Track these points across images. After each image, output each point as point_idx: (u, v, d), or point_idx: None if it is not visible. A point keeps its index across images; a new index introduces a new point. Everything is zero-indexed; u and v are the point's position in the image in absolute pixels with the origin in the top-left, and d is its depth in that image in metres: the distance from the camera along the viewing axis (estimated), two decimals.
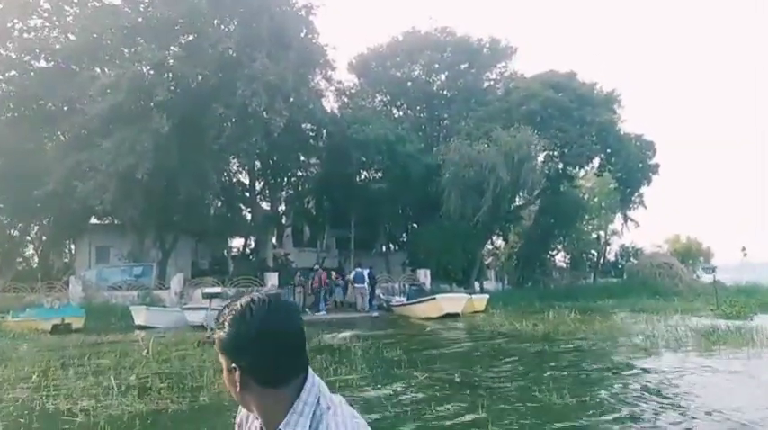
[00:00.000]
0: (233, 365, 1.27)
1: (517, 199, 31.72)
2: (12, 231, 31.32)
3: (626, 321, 17.67)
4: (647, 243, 55.60)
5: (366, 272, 25.16)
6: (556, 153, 31.60)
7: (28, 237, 33.57)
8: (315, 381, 1.32)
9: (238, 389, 1.28)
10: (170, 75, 21.55)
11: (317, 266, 25.81)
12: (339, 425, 1.23)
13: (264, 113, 23.21)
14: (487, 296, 25.26)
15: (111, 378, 7.59)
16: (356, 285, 24.78)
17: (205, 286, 18.51)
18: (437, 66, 37.82)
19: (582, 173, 36.16)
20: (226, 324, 1.30)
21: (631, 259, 52.93)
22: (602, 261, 50.71)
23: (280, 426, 1.25)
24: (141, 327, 20.21)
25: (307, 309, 23.35)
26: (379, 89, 39.41)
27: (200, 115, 22.04)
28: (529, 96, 30.72)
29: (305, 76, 26.01)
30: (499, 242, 43.58)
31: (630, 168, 31.63)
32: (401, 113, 39.56)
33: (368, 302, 24.70)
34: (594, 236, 52.55)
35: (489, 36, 37.78)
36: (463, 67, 38.00)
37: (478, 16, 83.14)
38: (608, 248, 50.44)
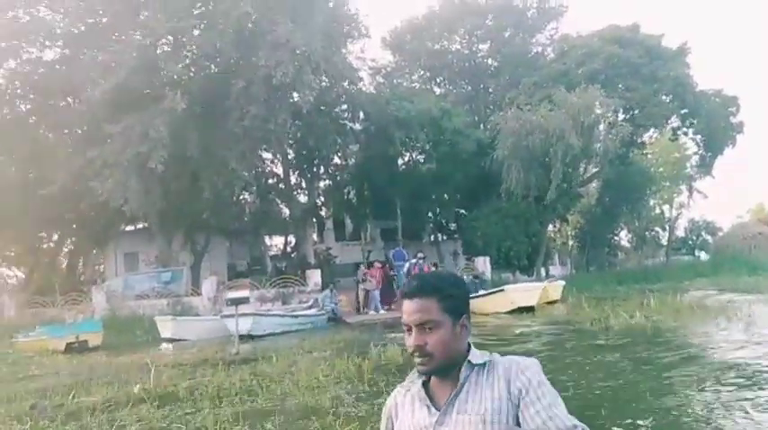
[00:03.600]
0: (465, 316, 1.57)
1: (583, 171, 27.99)
2: (42, 243, 29.36)
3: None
4: (717, 217, 50.66)
5: (414, 260, 21.95)
6: (621, 116, 27.69)
7: (65, 249, 31.69)
8: None
9: (462, 337, 1.57)
10: (183, 49, 18.87)
11: (421, 255, 22.33)
12: (503, 358, 1.56)
13: (294, 91, 20.39)
14: (563, 283, 21.79)
15: None
16: (396, 263, 21.77)
17: (240, 289, 15.87)
18: (479, 34, 34.32)
19: (650, 138, 31.97)
20: (456, 286, 1.60)
21: (703, 234, 48.51)
22: (671, 238, 46.45)
23: (469, 358, 1.55)
24: (169, 340, 17.70)
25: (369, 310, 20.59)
26: (417, 65, 36.21)
27: (220, 96, 19.29)
28: (589, 54, 27.01)
29: (336, 47, 22.99)
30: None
31: (713, 129, 27.54)
32: (442, 90, 36.22)
33: None
34: (658, 211, 48.27)
35: None
36: (508, 33, 34.43)
37: None
38: (677, 224, 46.15)
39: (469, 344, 1.58)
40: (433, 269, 22.40)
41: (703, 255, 45.54)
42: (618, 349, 9.01)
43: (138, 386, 7.47)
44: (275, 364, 9.40)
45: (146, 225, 25.70)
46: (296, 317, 16.95)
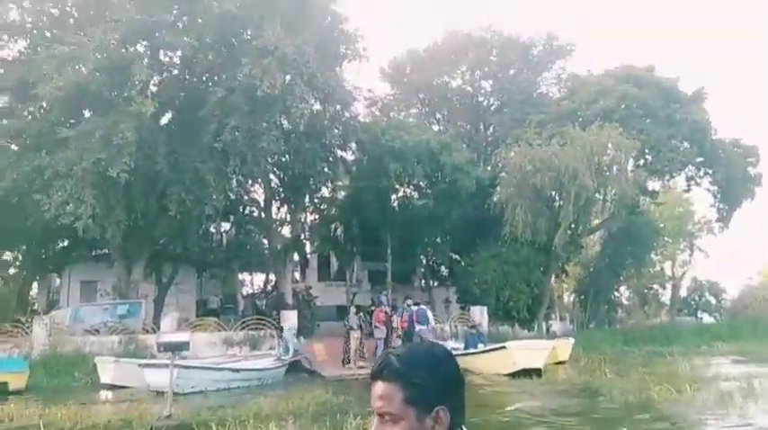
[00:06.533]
0: (439, 408, 1.31)
1: (594, 217, 25.66)
2: None
3: None
4: (719, 277, 48.18)
5: (419, 309, 19.00)
6: (632, 160, 25.51)
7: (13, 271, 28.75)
8: None
9: None
10: (155, 49, 16.60)
11: (409, 302, 19.34)
12: None
13: (282, 109, 18.07)
14: (572, 341, 19.24)
15: None
16: (419, 327, 18.00)
17: (179, 332, 13.00)
18: (486, 69, 32.65)
19: (664, 187, 29.87)
20: (427, 370, 1.33)
21: (706, 295, 46.21)
22: (672, 297, 44.05)
23: None
24: (110, 387, 14.86)
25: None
26: (416, 99, 34.42)
27: (195, 105, 16.98)
28: (602, 92, 25.16)
29: (330, 67, 20.92)
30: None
31: (732, 179, 25.51)
32: (441, 127, 34.30)
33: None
34: (658, 268, 46.08)
35: (546, 32, 32.27)
36: (513, 71, 32.80)
37: (522, 15, 75.28)
38: (680, 283, 43.76)
39: None
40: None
41: (706, 318, 43.15)
42: None
43: None
44: None
45: (107, 251, 22.99)
46: (237, 371, 13.86)
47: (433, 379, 1.32)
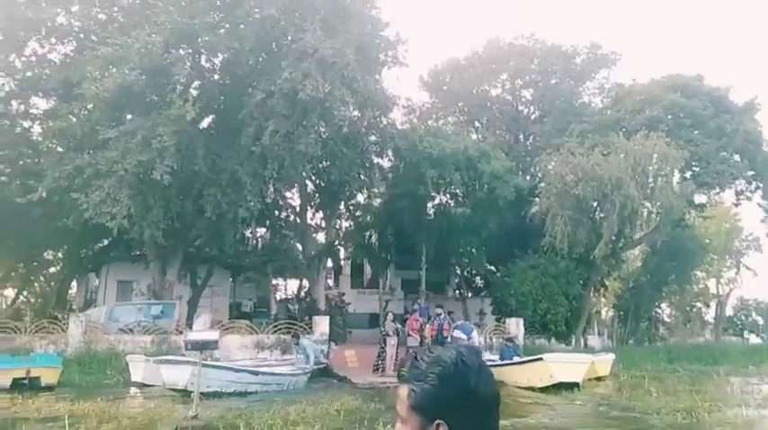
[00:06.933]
0: (438, 422, 1.22)
1: (639, 229, 24.72)
2: (32, 261, 27.06)
3: None
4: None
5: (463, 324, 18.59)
6: (677, 172, 24.57)
7: (53, 270, 29.44)
8: None
9: None
10: (196, 52, 16.74)
11: (439, 311, 18.77)
12: None
13: (321, 114, 17.95)
14: (612, 357, 18.49)
15: None
16: (458, 333, 17.14)
17: (208, 331, 12.74)
18: (528, 78, 32.13)
19: (712, 201, 28.71)
20: (431, 378, 1.24)
21: (753, 315, 44.41)
22: (717, 316, 42.39)
23: None
24: (140, 385, 14.88)
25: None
26: (455, 108, 34.03)
27: (234, 107, 17.03)
28: (648, 101, 24.33)
29: (369, 72, 20.76)
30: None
31: None
32: (479, 136, 33.81)
33: None
34: (702, 285, 44.47)
35: (590, 41, 31.62)
36: (554, 80, 32.17)
37: (565, 26, 74.23)
38: (726, 301, 42.12)
39: None
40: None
41: (753, 338, 41.41)
42: None
43: None
44: None
45: (144, 252, 23.26)
46: (256, 374, 13.33)
47: (433, 389, 1.22)
